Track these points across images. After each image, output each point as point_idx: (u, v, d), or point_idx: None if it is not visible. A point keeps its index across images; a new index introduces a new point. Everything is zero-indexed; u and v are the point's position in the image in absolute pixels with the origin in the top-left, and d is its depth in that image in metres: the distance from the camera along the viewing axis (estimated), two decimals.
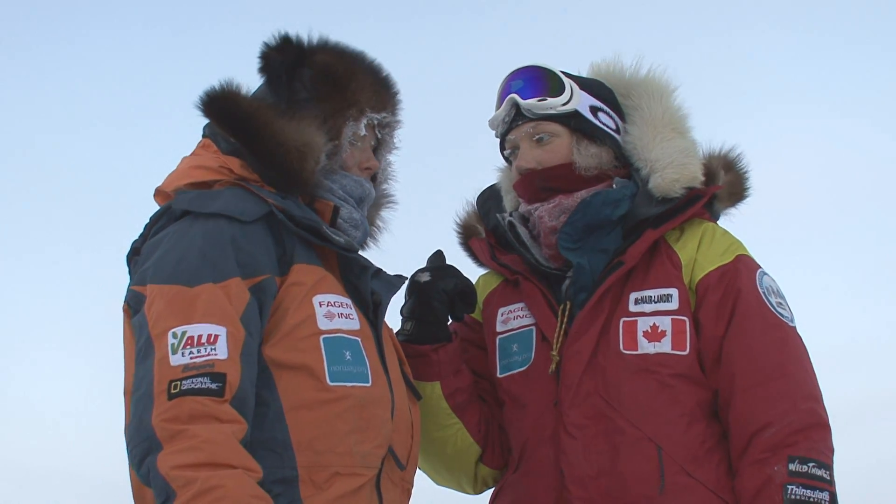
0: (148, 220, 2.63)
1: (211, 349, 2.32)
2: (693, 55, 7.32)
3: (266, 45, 2.71)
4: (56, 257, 7.58)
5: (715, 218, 2.99)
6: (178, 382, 2.28)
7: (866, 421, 6.72)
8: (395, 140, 2.86)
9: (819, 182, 7.66)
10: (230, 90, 2.66)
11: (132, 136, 7.68)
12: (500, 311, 3.01)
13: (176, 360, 2.30)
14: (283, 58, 2.69)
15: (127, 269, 2.67)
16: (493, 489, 3.04)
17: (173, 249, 2.45)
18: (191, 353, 2.31)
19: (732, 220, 3.06)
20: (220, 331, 2.34)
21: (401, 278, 2.76)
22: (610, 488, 2.72)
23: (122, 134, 7.79)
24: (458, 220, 3.19)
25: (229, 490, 2.20)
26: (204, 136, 2.72)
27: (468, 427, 2.95)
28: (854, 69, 7.75)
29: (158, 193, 2.66)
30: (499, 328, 3.00)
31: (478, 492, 3.07)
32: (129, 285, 2.47)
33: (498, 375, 2.98)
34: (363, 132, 2.74)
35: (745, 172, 3.04)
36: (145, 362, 2.34)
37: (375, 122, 2.77)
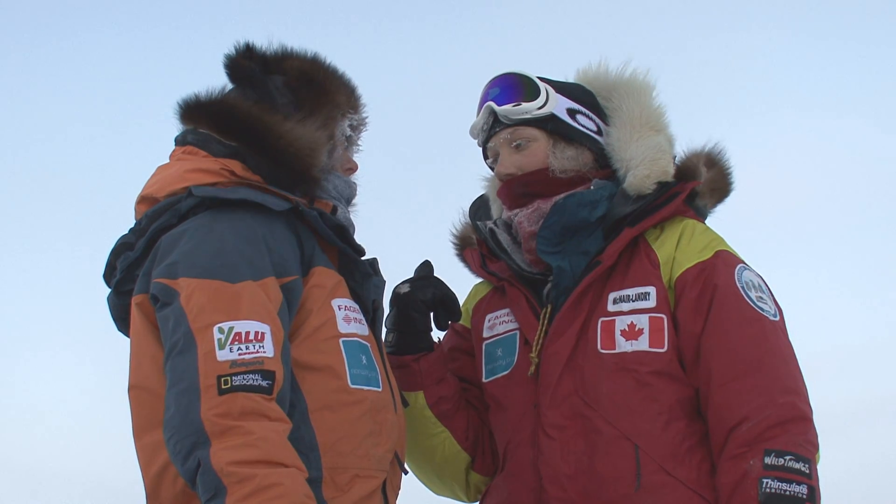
0: (143, 217, 2.60)
1: (259, 346, 2.31)
2: (692, 57, 7.33)
3: (231, 54, 2.72)
4: (57, 257, 7.54)
5: (701, 216, 3.00)
6: (229, 378, 2.26)
7: (864, 423, 6.72)
8: (360, 141, 2.89)
9: (818, 182, 7.67)
10: (222, 95, 2.67)
11: (136, 137, 7.66)
12: (488, 317, 3.05)
13: (223, 355, 2.28)
14: (254, 65, 2.71)
15: (108, 263, 2.64)
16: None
17: (203, 243, 2.42)
18: (239, 349, 2.29)
19: (725, 221, 3.10)
20: (265, 328, 2.34)
21: (378, 275, 2.75)
22: (587, 487, 2.74)
23: (126, 134, 7.76)
24: (454, 232, 3.21)
25: (287, 489, 2.20)
26: (183, 143, 2.68)
27: (455, 435, 2.98)
28: (853, 69, 7.76)
29: (144, 200, 2.62)
30: (485, 334, 3.04)
31: (472, 499, 3.09)
32: (154, 278, 2.42)
33: (483, 380, 3.01)
34: (348, 132, 2.79)
35: (728, 168, 3.04)
36: (185, 356, 2.30)
37: (354, 122, 2.82)
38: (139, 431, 2.46)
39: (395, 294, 2.95)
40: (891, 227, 7.54)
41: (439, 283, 2.95)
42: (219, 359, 2.28)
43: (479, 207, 3.17)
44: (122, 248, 2.61)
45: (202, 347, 2.29)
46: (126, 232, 2.63)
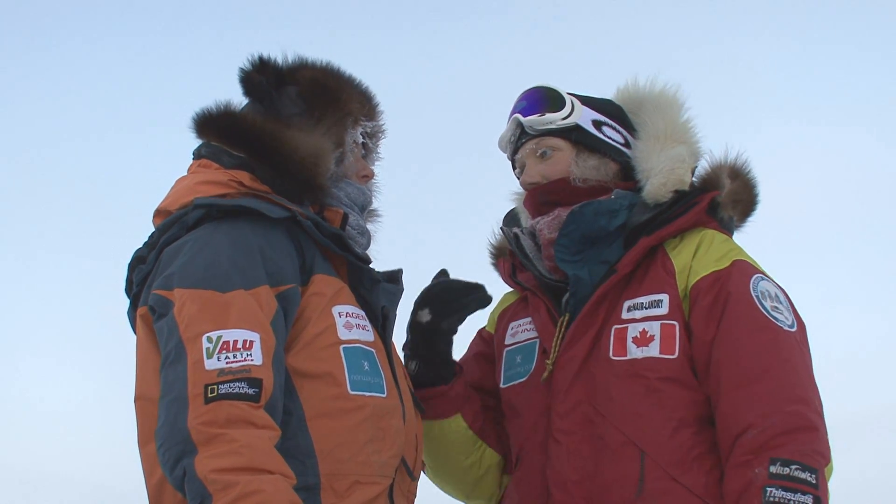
0: (154, 230, 2.64)
1: (247, 354, 2.33)
2: (688, 64, 7.35)
3: (244, 68, 2.75)
4: (59, 261, 7.57)
5: (727, 229, 2.99)
6: (215, 386, 2.28)
7: (867, 433, 6.72)
8: (379, 149, 2.91)
9: (818, 191, 7.67)
10: (229, 108, 2.70)
11: (140, 142, 7.70)
12: (511, 325, 3.07)
13: (211, 364, 2.31)
14: (267, 77, 2.74)
15: (126, 278, 2.67)
16: None
17: (199, 254, 2.46)
18: (227, 357, 2.32)
19: (745, 233, 3.08)
20: (255, 337, 2.36)
21: (398, 284, 2.76)
22: (591, 492, 2.74)
23: (130, 140, 7.80)
24: (492, 241, 3.24)
25: (269, 495, 2.21)
26: (198, 156, 2.73)
27: (492, 445, 3.03)
28: (850, 77, 7.77)
29: (159, 213, 2.66)
30: (507, 341, 3.05)
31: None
32: (152, 289, 2.46)
33: (501, 386, 3.02)
34: (361, 140, 2.80)
35: (753, 180, 3.03)
36: (176, 366, 2.33)
37: (368, 129, 2.83)
38: (143, 441, 2.48)
39: (416, 323, 2.95)
40: (890, 236, 7.56)
41: (461, 306, 2.97)
42: (207, 368, 2.30)
43: (510, 220, 3.18)
44: (136, 261, 2.65)
45: (191, 357, 2.32)
46: (141, 245, 2.67)
